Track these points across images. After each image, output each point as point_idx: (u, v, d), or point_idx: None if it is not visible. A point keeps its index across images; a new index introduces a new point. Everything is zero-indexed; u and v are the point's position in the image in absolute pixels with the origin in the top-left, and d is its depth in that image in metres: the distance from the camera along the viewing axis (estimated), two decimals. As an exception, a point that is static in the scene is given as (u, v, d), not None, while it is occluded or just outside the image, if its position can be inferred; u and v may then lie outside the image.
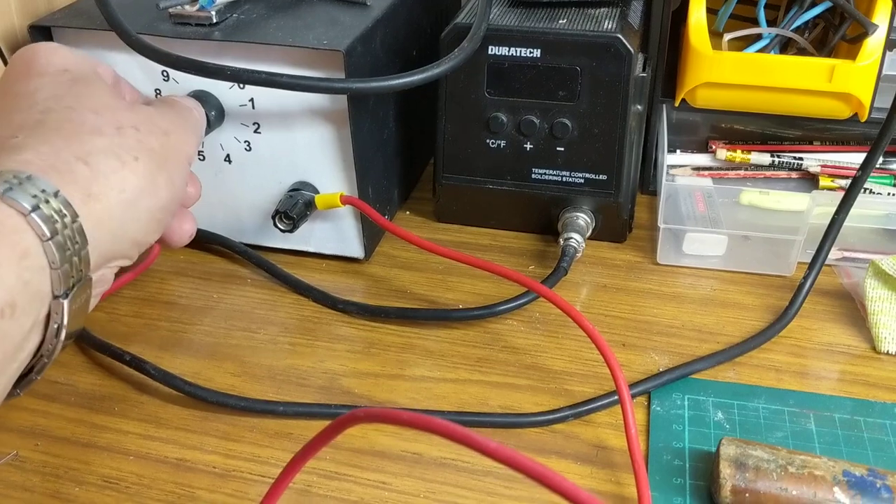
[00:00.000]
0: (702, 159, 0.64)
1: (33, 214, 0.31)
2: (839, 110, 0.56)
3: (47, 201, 0.31)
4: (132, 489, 0.40)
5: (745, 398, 0.45)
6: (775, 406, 0.44)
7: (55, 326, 0.33)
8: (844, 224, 0.52)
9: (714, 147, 0.63)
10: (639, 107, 0.54)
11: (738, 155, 0.62)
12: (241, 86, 0.51)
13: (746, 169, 0.63)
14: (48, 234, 0.31)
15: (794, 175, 0.62)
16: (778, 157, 0.62)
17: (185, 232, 0.44)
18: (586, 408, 0.44)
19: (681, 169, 0.63)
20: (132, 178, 0.35)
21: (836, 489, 0.37)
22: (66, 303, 0.32)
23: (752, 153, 0.62)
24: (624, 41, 0.50)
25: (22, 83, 0.38)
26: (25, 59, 0.39)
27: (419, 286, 0.54)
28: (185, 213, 0.44)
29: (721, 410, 0.44)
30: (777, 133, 0.64)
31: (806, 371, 0.47)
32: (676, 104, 0.58)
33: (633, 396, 0.45)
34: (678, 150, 0.64)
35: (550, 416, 0.44)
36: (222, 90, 0.51)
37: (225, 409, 0.45)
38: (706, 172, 0.63)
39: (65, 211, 0.32)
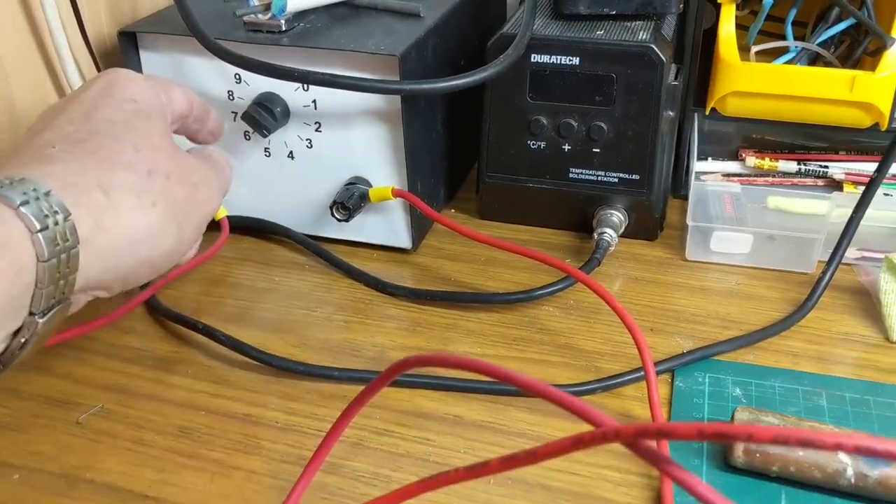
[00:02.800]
0: (732, 166, 0.68)
1: (40, 234, 0.31)
2: (860, 119, 0.59)
3: (56, 223, 0.32)
4: (204, 438, 0.45)
5: (762, 377, 0.49)
6: (790, 385, 0.48)
7: (22, 340, 0.33)
8: (866, 226, 0.56)
9: (744, 155, 0.67)
10: (670, 112, 0.58)
11: (767, 162, 0.66)
12: (306, 88, 0.56)
13: (774, 176, 0.66)
14: (46, 256, 0.31)
15: (819, 182, 0.66)
16: (804, 164, 0.66)
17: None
18: (614, 381, 0.48)
19: (712, 175, 0.67)
20: (143, 221, 0.36)
21: (840, 451, 0.40)
22: (41, 322, 0.33)
23: (780, 161, 0.66)
24: (657, 51, 0.55)
25: (91, 97, 0.39)
26: (107, 79, 0.40)
27: (462, 275, 0.59)
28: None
29: (739, 387, 0.48)
30: (805, 144, 0.67)
31: (822, 357, 0.51)
32: (707, 112, 0.62)
33: (659, 373, 0.48)
34: (710, 158, 0.68)
35: (581, 388, 0.48)
36: (288, 92, 0.57)
37: (287, 374, 0.50)
38: (736, 178, 0.67)
39: (69, 235, 0.32)
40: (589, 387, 0.48)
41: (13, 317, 0.32)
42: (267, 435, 0.46)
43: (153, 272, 0.38)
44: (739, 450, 0.41)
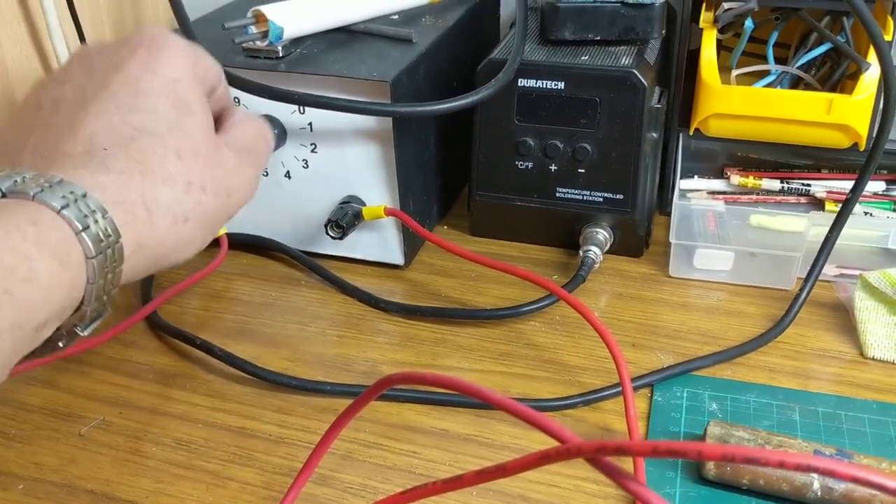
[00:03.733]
0: (717, 184, 0.69)
1: (95, 259, 0.32)
2: (838, 140, 0.61)
3: (110, 248, 0.33)
4: (200, 450, 0.47)
5: (738, 392, 0.50)
6: (765, 400, 0.50)
7: (60, 344, 0.34)
8: (847, 244, 0.58)
9: (728, 173, 0.69)
10: (653, 134, 0.60)
11: (751, 180, 0.68)
12: (302, 111, 0.59)
13: (758, 194, 0.68)
14: (94, 279, 0.33)
15: (802, 200, 0.68)
16: (787, 183, 0.67)
17: None
18: (594, 396, 0.50)
19: (697, 193, 0.69)
20: (173, 238, 0.37)
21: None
22: (83, 333, 0.34)
23: (764, 179, 0.68)
24: (638, 75, 0.57)
25: (134, 71, 0.37)
26: (150, 46, 0.38)
27: (453, 290, 0.61)
28: None
29: (716, 402, 0.50)
30: (789, 162, 0.69)
31: (798, 372, 0.52)
32: (691, 133, 0.64)
33: (638, 388, 0.50)
34: (696, 176, 0.70)
35: (562, 402, 0.50)
36: (285, 115, 0.59)
37: (280, 388, 0.52)
38: (720, 196, 0.69)
39: (116, 258, 0.33)
40: (570, 401, 0.50)
41: (58, 322, 0.33)
42: (261, 447, 0.48)
43: (167, 269, 0.40)
44: (711, 463, 0.43)
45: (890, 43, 0.59)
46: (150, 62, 0.38)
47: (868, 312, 0.54)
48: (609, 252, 0.62)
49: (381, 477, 0.45)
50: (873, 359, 0.53)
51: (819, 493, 0.41)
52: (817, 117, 0.60)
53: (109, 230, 0.33)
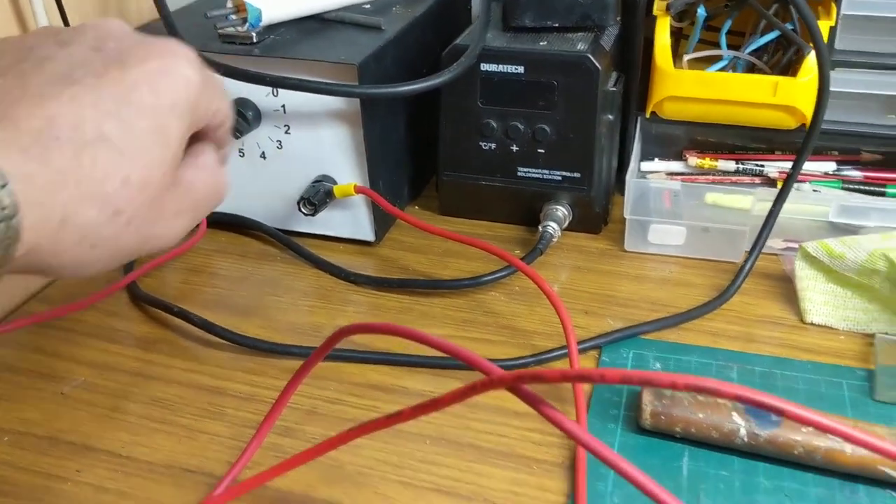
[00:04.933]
0: (675, 166, 0.73)
1: None
2: (786, 121, 0.64)
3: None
4: (175, 406, 0.51)
5: (681, 354, 0.54)
6: (705, 360, 0.53)
7: None
8: (796, 219, 0.62)
9: (687, 156, 0.72)
10: (609, 116, 0.63)
11: (707, 162, 0.71)
12: (276, 94, 0.62)
13: (714, 174, 0.71)
14: None
15: (756, 180, 0.71)
16: (742, 164, 0.71)
17: None
18: (544, 357, 0.53)
19: (656, 174, 0.72)
20: (69, 256, 0.33)
21: (733, 414, 0.45)
22: None
23: (720, 160, 0.71)
24: (593, 60, 0.60)
25: (134, 79, 0.33)
26: (163, 63, 0.33)
27: (420, 265, 0.64)
28: None
29: (660, 362, 0.53)
30: (746, 145, 0.73)
31: (740, 336, 0.56)
32: (648, 115, 0.68)
33: (586, 350, 0.54)
34: (656, 159, 0.73)
35: (515, 362, 0.53)
36: (260, 97, 0.62)
37: (253, 351, 0.55)
38: (678, 177, 0.72)
39: (6, 202, 0.29)
40: (522, 361, 0.53)
41: None
42: (232, 404, 0.51)
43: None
44: (647, 413, 0.46)
45: (833, 28, 0.63)
46: (156, 78, 0.33)
47: (808, 281, 0.57)
48: (569, 229, 0.66)
49: (341, 428, 0.48)
50: (812, 324, 0.56)
51: (745, 439, 0.45)
52: (764, 99, 0.63)
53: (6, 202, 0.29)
